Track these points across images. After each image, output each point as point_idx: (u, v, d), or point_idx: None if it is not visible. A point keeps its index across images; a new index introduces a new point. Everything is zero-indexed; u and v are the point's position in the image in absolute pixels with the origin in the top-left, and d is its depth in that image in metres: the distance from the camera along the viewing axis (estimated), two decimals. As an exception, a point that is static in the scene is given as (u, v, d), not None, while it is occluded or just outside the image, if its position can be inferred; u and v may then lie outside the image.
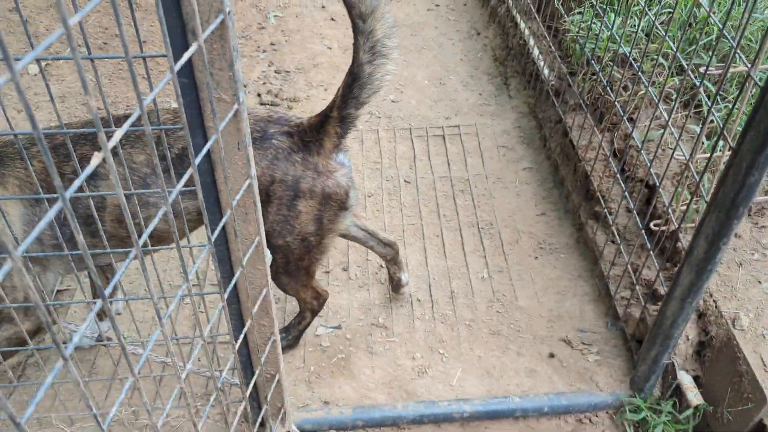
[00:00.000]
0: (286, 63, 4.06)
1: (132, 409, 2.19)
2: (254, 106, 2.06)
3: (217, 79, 1.24)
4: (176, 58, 1.17)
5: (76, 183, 0.71)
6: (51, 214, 0.66)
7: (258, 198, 1.45)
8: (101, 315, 2.46)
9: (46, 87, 1.30)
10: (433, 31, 4.40)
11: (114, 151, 1.76)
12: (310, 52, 4.15)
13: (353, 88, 1.89)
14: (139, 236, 1.96)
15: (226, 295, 1.30)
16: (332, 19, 4.47)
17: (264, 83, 3.91)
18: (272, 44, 4.26)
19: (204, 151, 1.18)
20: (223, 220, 1.33)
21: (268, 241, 2.00)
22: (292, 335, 2.45)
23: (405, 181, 3.25)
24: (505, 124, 3.58)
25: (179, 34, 1.19)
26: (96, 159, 0.70)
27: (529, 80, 3.65)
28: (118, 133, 0.76)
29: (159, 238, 2.05)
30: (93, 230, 1.90)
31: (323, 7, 4.59)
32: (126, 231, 1.95)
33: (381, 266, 2.83)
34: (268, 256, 1.76)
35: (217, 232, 1.34)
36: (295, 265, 2.13)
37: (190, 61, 1.22)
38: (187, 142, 0.99)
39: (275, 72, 4.00)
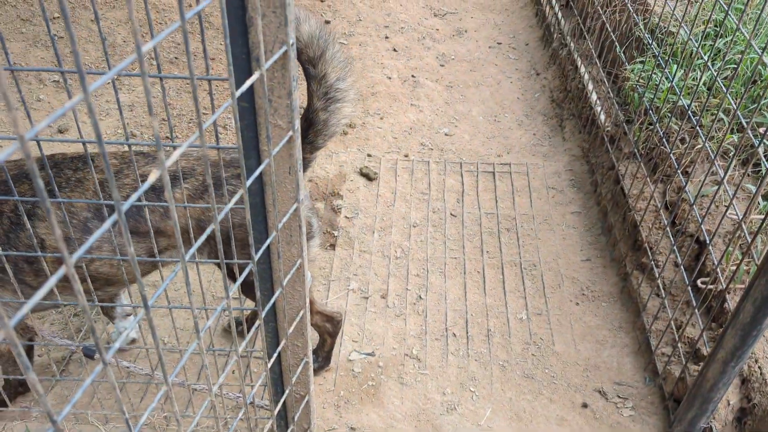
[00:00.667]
0: (345, 89, 4.15)
1: (164, 415, 2.24)
2: (207, 147, 2.05)
3: (275, 106, 1.29)
4: (238, 83, 1.24)
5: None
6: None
7: (303, 222, 1.49)
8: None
9: (116, 100, 1.38)
10: (493, 69, 4.43)
11: (51, 194, 1.81)
12: (369, 80, 4.24)
13: (308, 134, 1.87)
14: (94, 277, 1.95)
15: (263, 314, 1.34)
16: (394, 50, 4.56)
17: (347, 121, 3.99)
18: (333, 70, 4.36)
19: (257, 173, 1.23)
20: (268, 240, 1.38)
21: (245, 280, 1.99)
22: (321, 357, 2.48)
23: (451, 214, 3.26)
24: (557, 166, 3.57)
25: (244, 61, 1.25)
26: (153, 176, 0.75)
27: (585, 124, 3.64)
28: (176, 153, 0.81)
29: (108, 282, 2.03)
30: (35, 269, 1.91)
31: (387, 37, 4.68)
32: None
33: (420, 297, 2.84)
34: (309, 279, 1.80)
35: (261, 251, 1.39)
36: None
37: (251, 87, 1.28)
38: (240, 163, 1.04)
39: (334, 97, 4.09)
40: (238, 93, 1.02)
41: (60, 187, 1.87)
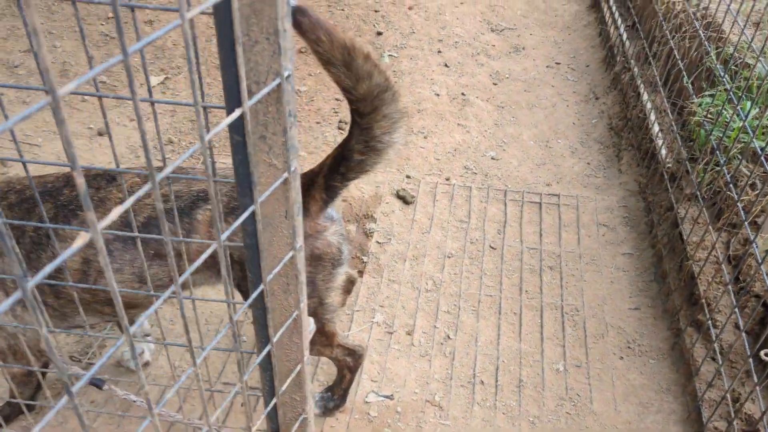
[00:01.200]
0: (390, 104, 3.98)
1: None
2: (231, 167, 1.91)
3: (269, 143, 1.12)
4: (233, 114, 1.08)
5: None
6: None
7: (303, 270, 1.32)
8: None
9: (151, 105, 1.24)
10: (549, 90, 4.19)
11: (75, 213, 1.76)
12: (417, 96, 4.06)
13: (341, 166, 1.73)
14: (101, 302, 1.89)
15: (258, 360, 1.17)
16: (446, 65, 4.37)
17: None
18: (381, 83, 4.19)
19: (244, 216, 1.07)
20: (257, 291, 1.21)
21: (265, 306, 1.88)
22: (337, 395, 2.30)
23: (491, 246, 3.04)
24: (610, 200, 3.30)
25: (238, 91, 1.09)
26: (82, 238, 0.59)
27: (644, 157, 3.36)
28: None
29: (129, 305, 1.95)
30: (58, 290, 1.84)
31: (439, 52, 4.50)
32: (93, 296, 1.87)
33: (448, 337, 2.63)
34: (312, 328, 1.63)
35: (251, 299, 1.23)
36: None
37: (244, 119, 1.13)
38: (240, 201, 0.88)
39: (378, 112, 3.93)
40: (208, 136, 0.86)
41: (81, 207, 1.78)
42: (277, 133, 1.12)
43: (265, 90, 1.01)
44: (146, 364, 2.51)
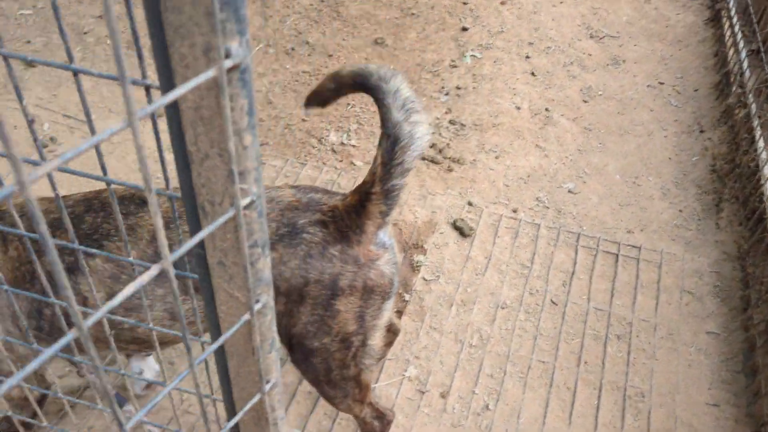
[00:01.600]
0: (464, 114, 3.62)
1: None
2: (279, 187, 1.73)
3: (229, 273, 0.83)
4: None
5: None
6: None
7: (279, 406, 1.04)
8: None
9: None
10: (646, 114, 3.69)
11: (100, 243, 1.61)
12: (494, 107, 3.67)
13: (395, 153, 1.56)
14: (127, 340, 1.71)
15: None
16: (532, 74, 3.93)
17: (433, 133, 3.50)
18: (458, 87, 3.83)
19: (209, 351, 0.80)
20: (229, 425, 0.95)
21: (302, 344, 1.70)
22: None
23: (552, 301, 2.67)
24: (700, 262, 2.84)
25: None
26: None
27: (749, 216, 2.87)
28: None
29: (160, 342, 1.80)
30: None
31: (527, 57, 4.06)
32: (118, 334, 1.72)
33: (487, 407, 2.31)
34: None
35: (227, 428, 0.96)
36: (339, 374, 1.79)
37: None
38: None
39: (450, 122, 3.58)
40: (115, 301, 0.58)
41: (108, 235, 1.62)
42: (238, 264, 0.82)
43: (222, 218, 0.72)
44: (149, 386, 2.33)
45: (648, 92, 3.87)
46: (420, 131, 1.57)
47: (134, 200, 1.68)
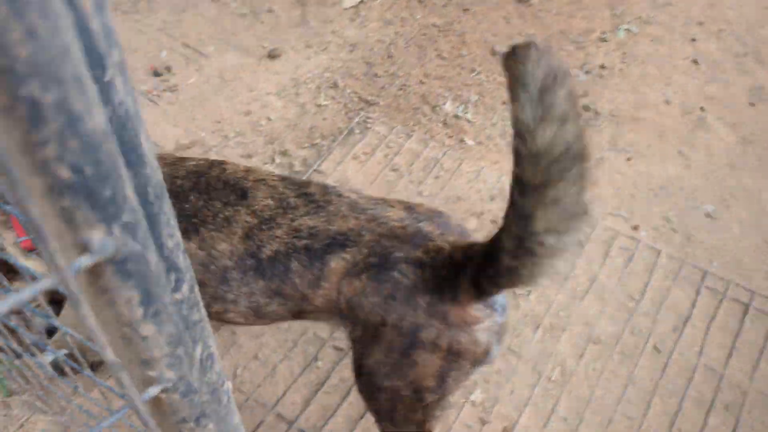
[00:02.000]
0: (602, 101, 3.18)
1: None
2: (390, 203, 1.50)
3: None
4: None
5: None
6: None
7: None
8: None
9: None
10: (827, 132, 3.06)
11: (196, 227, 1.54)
12: (640, 96, 3.19)
13: (489, 267, 1.30)
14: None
15: None
16: (695, 62, 3.37)
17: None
18: (602, 67, 3.36)
19: None
20: None
21: (371, 379, 1.54)
22: None
23: (655, 347, 2.32)
24: None
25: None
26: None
27: None
28: None
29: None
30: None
31: (693, 40, 3.48)
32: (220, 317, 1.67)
33: (550, 457, 2.06)
34: None
35: None
36: (403, 417, 1.61)
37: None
38: None
39: (583, 107, 3.16)
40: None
41: (205, 222, 1.54)
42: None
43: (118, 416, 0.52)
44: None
45: (836, 104, 3.20)
46: (524, 274, 1.27)
47: (236, 190, 1.57)
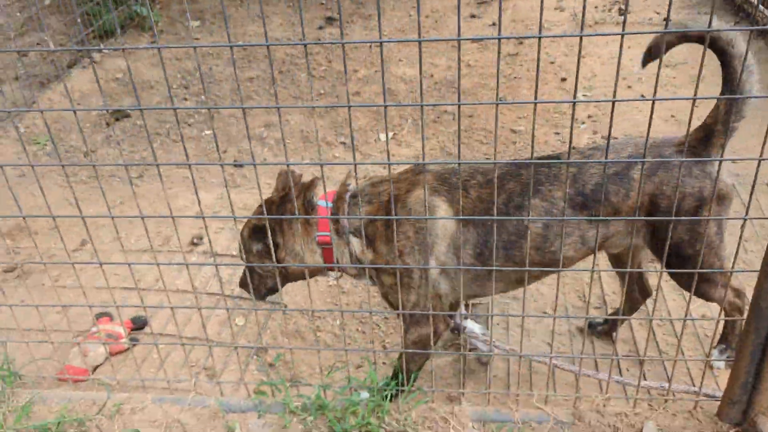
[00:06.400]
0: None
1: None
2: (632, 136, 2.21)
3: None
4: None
5: None
6: None
7: None
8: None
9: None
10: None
11: (536, 188, 2.15)
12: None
13: (734, 103, 2.01)
14: (553, 263, 2.21)
15: None
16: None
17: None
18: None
19: None
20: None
21: (677, 254, 2.17)
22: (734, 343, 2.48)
23: None
24: None
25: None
26: None
27: None
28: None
29: (567, 265, 2.29)
30: (510, 255, 2.17)
31: None
32: (540, 258, 2.19)
33: None
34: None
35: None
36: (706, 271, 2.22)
37: None
38: None
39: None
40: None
41: (541, 183, 2.14)
42: None
43: None
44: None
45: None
46: (754, 90, 2.00)
47: (551, 158, 2.24)
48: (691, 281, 1.92)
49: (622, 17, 5.70)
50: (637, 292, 2.65)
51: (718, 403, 2.10)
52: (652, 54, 2.04)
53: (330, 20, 6.19)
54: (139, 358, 2.73)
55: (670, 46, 2.05)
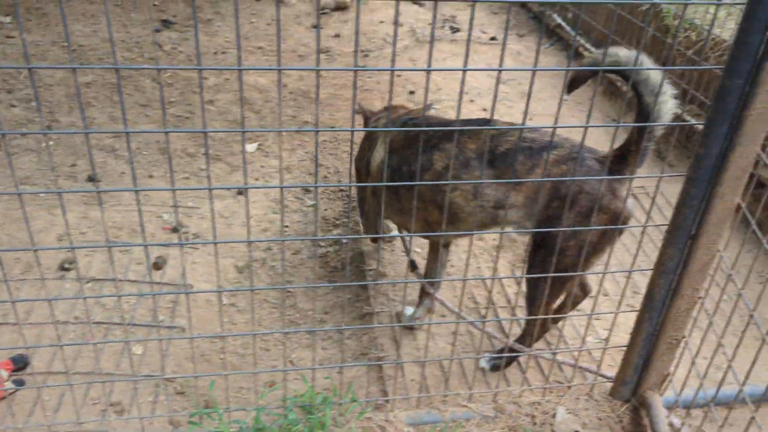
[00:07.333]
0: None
1: None
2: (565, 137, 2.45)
3: None
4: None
5: None
6: None
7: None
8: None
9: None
10: None
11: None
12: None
13: (639, 139, 2.20)
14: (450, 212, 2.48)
15: None
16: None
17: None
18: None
19: None
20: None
21: (551, 245, 2.31)
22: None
23: None
24: None
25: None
26: None
27: None
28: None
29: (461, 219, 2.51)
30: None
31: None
32: (434, 195, 2.50)
33: None
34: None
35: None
36: (564, 266, 2.35)
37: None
38: None
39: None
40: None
41: (462, 134, 2.44)
42: None
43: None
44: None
45: None
46: (664, 110, 2.10)
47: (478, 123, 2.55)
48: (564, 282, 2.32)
49: (455, 34, 6.21)
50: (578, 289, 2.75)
51: (611, 384, 2.45)
52: (575, 85, 2.31)
53: (166, 23, 5.90)
54: (29, 402, 2.44)
55: (586, 78, 2.32)
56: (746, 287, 1.97)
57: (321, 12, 6.43)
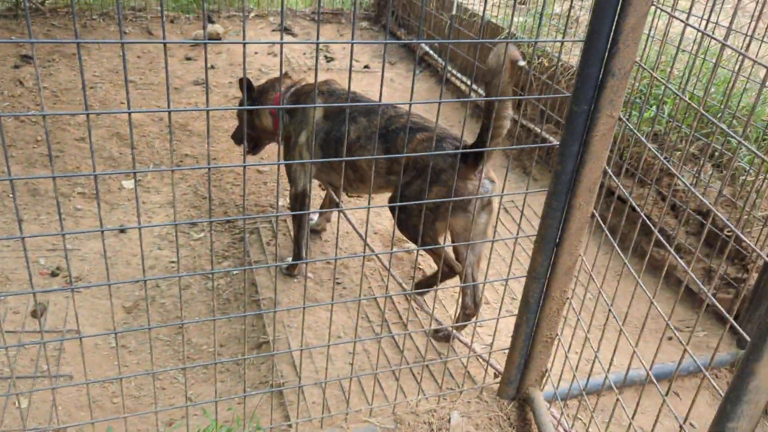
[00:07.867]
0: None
1: None
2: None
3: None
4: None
5: None
6: None
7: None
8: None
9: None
10: None
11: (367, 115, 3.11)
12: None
13: (487, 131, 2.55)
14: (358, 168, 3.10)
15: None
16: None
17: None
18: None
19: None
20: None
21: (403, 194, 2.91)
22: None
23: None
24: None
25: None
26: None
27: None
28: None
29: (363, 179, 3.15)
30: (338, 149, 3.11)
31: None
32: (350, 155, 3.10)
33: None
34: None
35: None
36: (412, 223, 2.90)
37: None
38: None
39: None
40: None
41: (374, 111, 3.08)
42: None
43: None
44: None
45: None
46: (498, 125, 2.47)
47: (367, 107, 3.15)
48: (416, 236, 2.85)
49: (329, 63, 6.40)
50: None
51: (498, 385, 2.66)
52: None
53: (26, 58, 5.62)
54: None
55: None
56: (605, 285, 2.23)
57: (194, 45, 6.40)
